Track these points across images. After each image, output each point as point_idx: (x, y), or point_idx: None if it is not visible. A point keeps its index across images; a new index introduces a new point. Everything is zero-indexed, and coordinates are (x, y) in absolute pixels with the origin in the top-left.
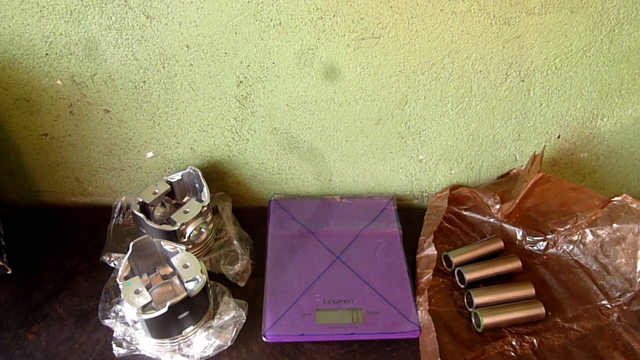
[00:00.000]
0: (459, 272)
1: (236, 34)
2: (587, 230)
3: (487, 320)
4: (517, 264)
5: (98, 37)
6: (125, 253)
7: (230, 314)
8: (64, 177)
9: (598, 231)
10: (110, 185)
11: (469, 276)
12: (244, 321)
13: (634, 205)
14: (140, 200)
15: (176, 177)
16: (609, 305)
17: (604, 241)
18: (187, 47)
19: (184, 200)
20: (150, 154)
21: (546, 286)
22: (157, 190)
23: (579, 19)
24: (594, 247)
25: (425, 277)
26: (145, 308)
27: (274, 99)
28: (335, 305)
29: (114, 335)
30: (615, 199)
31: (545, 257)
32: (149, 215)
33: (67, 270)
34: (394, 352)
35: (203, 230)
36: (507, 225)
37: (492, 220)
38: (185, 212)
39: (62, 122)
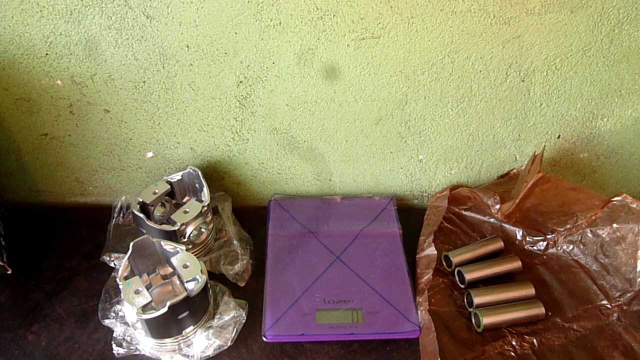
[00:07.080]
0: (459, 272)
1: (236, 34)
2: (587, 230)
3: (487, 320)
4: (517, 264)
5: (98, 37)
6: (125, 253)
7: (230, 314)
8: (64, 177)
9: (598, 231)
10: (110, 185)
11: (469, 276)
12: (244, 321)
13: (634, 205)
14: (140, 200)
15: (176, 177)
16: (609, 305)
17: (604, 241)
18: (187, 47)
19: (184, 200)
20: (150, 154)
21: (546, 286)
22: (157, 190)
23: (579, 19)
24: (594, 247)
25: (425, 277)
26: (145, 308)
27: (274, 99)
28: (335, 305)
29: (114, 335)
30: (615, 199)
31: (545, 257)
32: (149, 215)
33: (67, 270)
34: (394, 352)
35: (203, 230)
36: (507, 225)
37: (492, 220)
38: (185, 212)
39: (62, 122)
